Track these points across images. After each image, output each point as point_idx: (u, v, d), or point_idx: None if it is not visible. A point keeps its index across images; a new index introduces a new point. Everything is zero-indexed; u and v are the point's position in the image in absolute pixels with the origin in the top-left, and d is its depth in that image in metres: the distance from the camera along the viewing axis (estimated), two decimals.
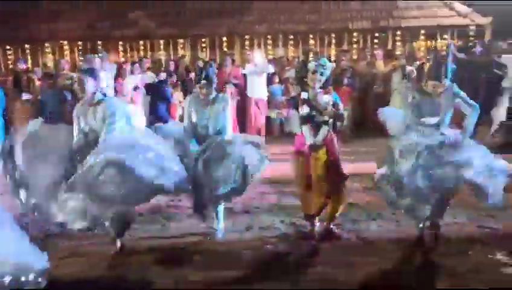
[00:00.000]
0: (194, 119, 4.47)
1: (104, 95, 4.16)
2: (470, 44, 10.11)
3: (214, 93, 4.47)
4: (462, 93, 4.14)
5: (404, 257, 3.99)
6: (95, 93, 4.08)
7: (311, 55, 10.00)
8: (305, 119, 4.16)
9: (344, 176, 4.24)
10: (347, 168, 4.39)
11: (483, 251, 3.98)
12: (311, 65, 4.22)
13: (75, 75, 4.29)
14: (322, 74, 4.14)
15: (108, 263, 4.01)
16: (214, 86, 4.48)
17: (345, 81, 9.27)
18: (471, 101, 4.13)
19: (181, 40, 12.57)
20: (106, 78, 8.32)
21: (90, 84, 4.05)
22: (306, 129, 4.18)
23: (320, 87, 4.17)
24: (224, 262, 3.96)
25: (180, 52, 12.41)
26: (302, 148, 4.21)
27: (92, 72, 4.14)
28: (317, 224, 4.43)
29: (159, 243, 4.39)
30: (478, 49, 8.70)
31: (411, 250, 4.12)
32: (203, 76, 4.41)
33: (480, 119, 4.34)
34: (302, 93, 4.24)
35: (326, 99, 4.14)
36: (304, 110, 4.13)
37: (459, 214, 4.71)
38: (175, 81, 9.19)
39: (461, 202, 4.62)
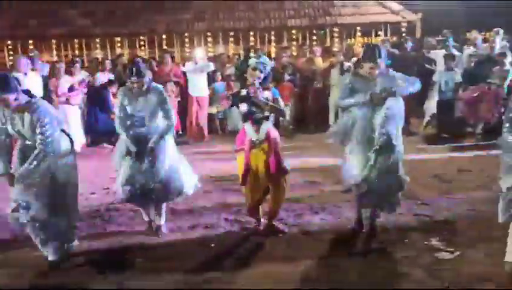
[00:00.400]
0: (129, 111, 4.27)
1: (31, 96, 3.78)
2: (402, 40, 10.53)
3: (146, 85, 4.27)
4: (399, 74, 4.20)
5: (346, 247, 4.09)
6: (16, 99, 3.66)
7: (252, 52, 10.01)
8: (246, 116, 4.18)
9: (284, 171, 4.26)
10: (290, 163, 4.44)
11: (419, 238, 4.15)
12: (252, 62, 4.28)
13: None
14: (261, 71, 4.18)
15: (42, 270, 3.83)
16: (146, 79, 4.29)
17: (286, 77, 9.42)
18: (412, 78, 4.25)
19: (118, 38, 12.24)
20: (36, 77, 8.01)
21: (11, 99, 3.63)
22: (248, 126, 4.19)
23: (260, 84, 4.19)
24: (168, 263, 3.89)
25: (118, 50, 12.08)
26: (243, 145, 4.22)
27: (7, 89, 3.61)
28: (262, 220, 4.45)
29: (99, 247, 4.25)
30: (409, 44, 9.08)
31: (353, 240, 4.23)
32: (134, 71, 4.19)
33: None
34: (242, 90, 4.25)
35: (266, 95, 4.17)
36: (244, 107, 4.14)
37: None
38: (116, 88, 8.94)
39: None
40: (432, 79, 8.43)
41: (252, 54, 9.42)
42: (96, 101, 8.78)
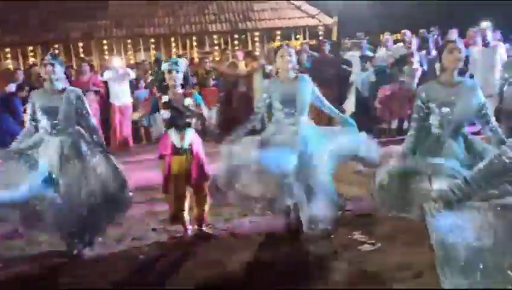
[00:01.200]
0: (43, 118, 3.96)
1: None
2: (321, 43, 10.92)
3: (61, 87, 4.03)
4: (317, 91, 4.34)
5: (275, 247, 4.18)
6: None
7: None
8: (169, 123, 4.18)
9: (206, 178, 4.29)
10: (214, 168, 4.43)
11: (344, 233, 4.33)
12: (165, 66, 4.26)
13: None
14: (177, 72, 4.19)
15: None
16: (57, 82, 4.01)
17: (210, 82, 9.46)
18: (328, 104, 4.39)
19: (30, 48, 11.63)
20: None
21: None
22: (171, 133, 4.20)
23: (183, 86, 4.26)
24: (96, 278, 3.76)
25: (31, 60, 11.48)
26: (165, 151, 4.21)
27: None
28: (190, 227, 4.43)
29: (20, 270, 4.02)
30: (328, 47, 9.43)
31: (281, 240, 4.32)
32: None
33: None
34: (163, 96, 4.23)
35: (188, 102, 4.19)
36: (166, 114, 4.14)
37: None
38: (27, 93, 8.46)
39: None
40: (349, 80, 8.84)
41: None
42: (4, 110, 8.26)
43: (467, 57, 5.72)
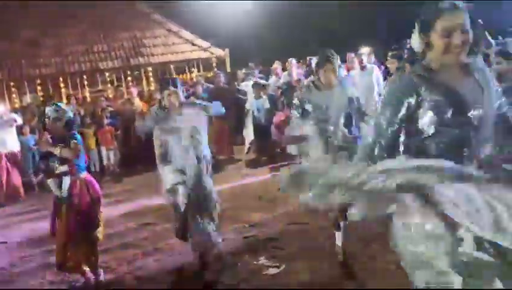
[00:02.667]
0: None
1: None
2: (215, 74, 11.15)
3: None
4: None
5: (183, 284, 4.11)
6: None
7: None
8: (47, 173, 3.98)
9: (96, 225, 4.04)
10: (119, 209, 4.29)
11: (249, 260, 4.36)
12: (50, 111, 3.97)
13: None
14: (60, 120, 3.95)
15: None
16: None
17: (106, 121, 9.20)
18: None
19: None
20: None
21: None
22: (51, 182, 3.96)
23: (68, 131, 3.99)
24: None
25: None
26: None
27: None
28: (90, 274, 4.19)
29: None
30: (221, 78, 9.64)
31: (189, 276, 4.27)
32: None
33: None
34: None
35: (57, 150, 3.88)
36: (42, 163, 3.98)
37: (227, 229, 5.07)
38: None
39: (228, 218, 5.06)
40: (246, 108, 9.09)
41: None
42: None
43: None
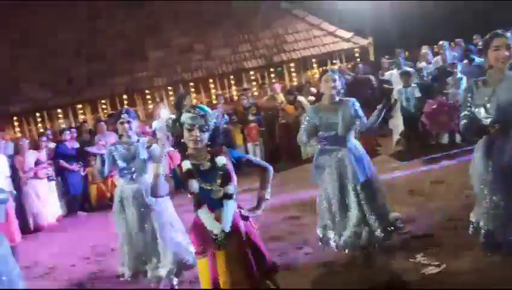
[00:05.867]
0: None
1: None
2: (353, 65, 10.85)
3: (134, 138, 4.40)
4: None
5: (334, 278, 4.03)
6: None
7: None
8: (199, 199, 2.78)
9: (273, 268, 2.93)
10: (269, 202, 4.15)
11: (404, 257, 4.12)
12: (185, 118, 2.76)
13: None
14: (203, 129, 2.75)
15: None
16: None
17: (250, 118, 9.59)
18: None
19: (79, 106, 12.23)
20: (1, 157, 7.85)
21: None
22: (204, 214, 2.77)
23: (211, 146, 2.85)
24: None
25: (81, 117, 12.05)
26: (204, 244, 2.79)
27: None
28: None
29: None
30: (360, 68, 9.31)
31: (341, 271, 4.17)
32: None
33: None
34: (184, 161, 2.80)
35: (221, 161, 2.81)
36: (194, 185, 2.73)
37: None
38: None
39: None
40: (392, 98, 8.63)
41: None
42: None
43: None
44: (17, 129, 12.07)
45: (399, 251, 4.25)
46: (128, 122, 4.32)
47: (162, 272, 4.17)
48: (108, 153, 4.38)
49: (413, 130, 8.41)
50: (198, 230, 2.79)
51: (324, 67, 12.28)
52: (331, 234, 4.13)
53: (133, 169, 4.30)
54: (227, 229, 2.73)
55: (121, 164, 4.31)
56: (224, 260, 2.69)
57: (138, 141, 4.37)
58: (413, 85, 8.48)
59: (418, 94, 8.36)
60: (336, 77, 4.11)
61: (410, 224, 4.86)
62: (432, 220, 4.92)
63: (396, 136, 8.89)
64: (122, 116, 4.30)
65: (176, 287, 4.27)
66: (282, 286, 3.00)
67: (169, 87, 12.25)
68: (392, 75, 9.25)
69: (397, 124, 8.79)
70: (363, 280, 3.88)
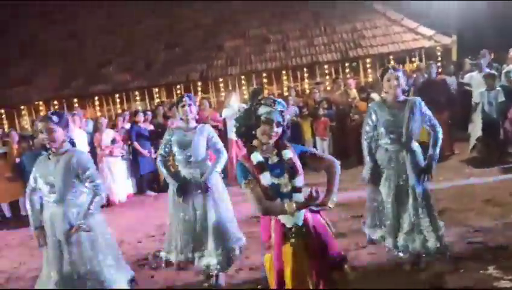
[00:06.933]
0: (176, 151, 4.36)
1: (73, 144, 3.70)
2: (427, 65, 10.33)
3: (193, 124, 4.41)
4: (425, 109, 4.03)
5: (398, 281, 3.91)
6: (64, 141, 3.58)
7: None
8: (272, 193, 2.69)
9: (340, 257, 2.84)
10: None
11: (475, 267, 3.91)
12: (264, 111, 2.70)
13: (39, 124, 3.54)
14: (279, 124, 2.71)
15: None
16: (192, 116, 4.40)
17: (321, 112, 9.47)
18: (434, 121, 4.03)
19: (156, 89, 12.70)
20: (81, 136, 8.36)
21: (59, 133, 3.52)
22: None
23: (280, 140, 2.79)
24: None
25: (157, 100, 12.52)
26: (272, 236, 2.76)
27: (60, 120, 3.55)
28: None
29: None
30: (433, 69, 8.83)
31: (403, 273, 4.04)
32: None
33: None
34: (254, 153, 2.74)
35: (288, 154, 2.76)
36: (266, 178, 2.68)
37: (448, 231, 4.65)
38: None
39: (450, 219, 4.61)
40: (473, 101, 8.18)
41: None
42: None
43: None
44: (98, 108, 12.77)
45: (470, 260, 4.04)
46: (190, 105, 4.36)
47: (211, 260, 4.20)
48: (167, 137, 4.45)
49: (493, 136, 7.90)
50: (266, 223, 2.77)
51: (403, 65, 11.86)
52: (380, 234, 4.15)
53: (189, 154, 4.34)
54: (300, 222, 2.70)
55: (176, 149, 4.37)
56: (291, 252, 2.67)
57: (196, 127, 4.41)
58: (497, 88, 7.95)
59: (502, 98, 7.83)
60: (399, 74, 3.95)
61: (485, 234, 4.60)
62: (508, 232, 4.60)
63: (473, 142, 8.39)
64: (184, 99, 4.37)
65: (221, 277, 4.32)
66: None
67: (243, 76, 12.39)
68: (472, 77, 8.73)
69: (475, 129, 8.29)
70: (428, 286, 3.73)
